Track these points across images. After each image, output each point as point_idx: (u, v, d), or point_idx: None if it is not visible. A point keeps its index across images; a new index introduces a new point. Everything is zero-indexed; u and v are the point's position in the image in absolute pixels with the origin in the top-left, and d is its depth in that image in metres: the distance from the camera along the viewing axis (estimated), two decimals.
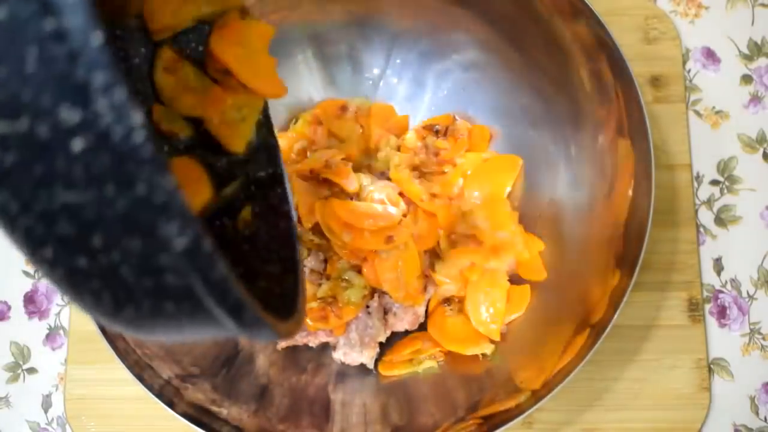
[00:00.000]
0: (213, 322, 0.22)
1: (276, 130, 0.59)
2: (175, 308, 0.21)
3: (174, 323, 0.22)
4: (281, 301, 0.32)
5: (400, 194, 0.56)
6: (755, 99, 0.63)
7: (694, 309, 0.58)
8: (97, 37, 0.17)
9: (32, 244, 0.20)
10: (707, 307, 0.59)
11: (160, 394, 0.45)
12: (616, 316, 0.44)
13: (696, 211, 0.61)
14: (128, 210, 0.18)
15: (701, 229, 0.61)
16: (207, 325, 0.22)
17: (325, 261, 0.55)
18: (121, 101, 0.17)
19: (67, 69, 0.17)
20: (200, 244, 0.19)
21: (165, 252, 0.19)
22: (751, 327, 0.59)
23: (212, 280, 0.20)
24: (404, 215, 0.55)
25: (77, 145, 0.17)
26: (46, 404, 0.59)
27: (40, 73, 0.17)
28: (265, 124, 0.40)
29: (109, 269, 0.20)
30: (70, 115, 0.17)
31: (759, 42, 0.65)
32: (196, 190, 0.33)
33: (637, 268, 0.45)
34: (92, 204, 0.18)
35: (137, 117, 0.17)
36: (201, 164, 0.34)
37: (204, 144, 0.36)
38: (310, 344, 0.55)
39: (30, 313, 0.61)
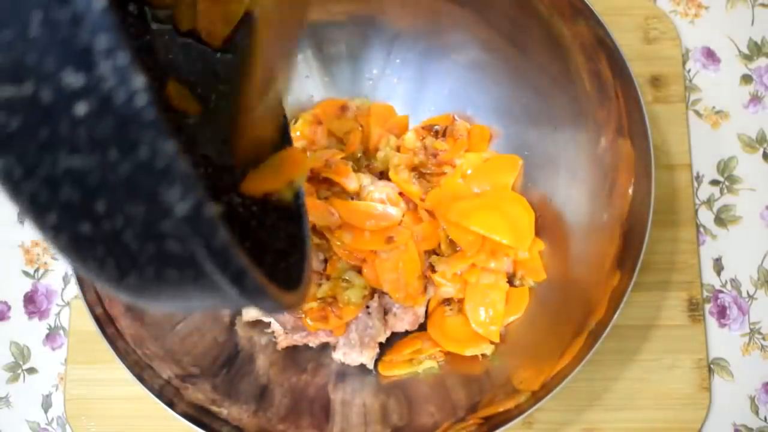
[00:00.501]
0: (216, 289, 0.22)
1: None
2: (178, 275, 0.21)
3: (177, 290, 0.22)
4: (286, 275, 0.32)
5: (401, 194, 0.56)
6: (755, 99, 0.63)
7: (694, 309, 0.58)
8: (100, 1, 0.17)
9: (37, 209, 0.20)
10: (707, 307, 0.59)
11: (160, 394, 0.45)
12: (616, 316, 0.44)
13: (696, 211, 0.61)
14: (131, 175, 0.18)
15: (701, 229, 0.61)
16: (210, 293, 0.22)
17: (325, 261, 0.55)
18: (124, 65, 0.17)
19: (70, 33, 0.17)
20: (201, 210, 0.19)
21: (167, 217, 0.19)
22: (751, 327, 0.59)
23: (214, 246, 0.20)
24: (404, 215, 0.55)
25: (81, 109, 0.18)
26: (46, 404, 0.59)
27: (44, 37, 0.17)
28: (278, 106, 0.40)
29: (113, 235, 0.20)
30: (73, 78, 0.17)
31: (759, 42, 0.65)
32: None
33: (637, 268, 0.45)
34: (95, 169, 0.18)
35: (139, 80, 0.17)
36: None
37: (213, 120, 0.36)
38: (310, 344, 0.55)
39: (30, 313, 0.61)
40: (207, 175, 0.34)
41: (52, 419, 0.59)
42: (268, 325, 0.56)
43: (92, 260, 0.21)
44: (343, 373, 0.55)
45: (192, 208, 0.19)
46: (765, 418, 0.57)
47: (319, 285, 0.53)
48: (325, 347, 0.56)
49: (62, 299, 0.61)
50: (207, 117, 0.36)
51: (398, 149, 0.59)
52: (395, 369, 0.55)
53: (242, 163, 0.36)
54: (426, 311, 0.56)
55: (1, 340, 0.61)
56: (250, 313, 0.55)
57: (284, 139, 0.40)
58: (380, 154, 0.59)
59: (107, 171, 0.18)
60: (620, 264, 0.47)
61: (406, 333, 0.56)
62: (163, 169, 0.18)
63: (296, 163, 0.37)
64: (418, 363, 0.54)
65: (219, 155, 0.35)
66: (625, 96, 0.48)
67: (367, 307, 0.54)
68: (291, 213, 0.37)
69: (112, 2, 0.17)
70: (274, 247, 0.34)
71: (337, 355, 0.54)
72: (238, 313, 0.56)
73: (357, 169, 0.57)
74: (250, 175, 0.35)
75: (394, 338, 0.56)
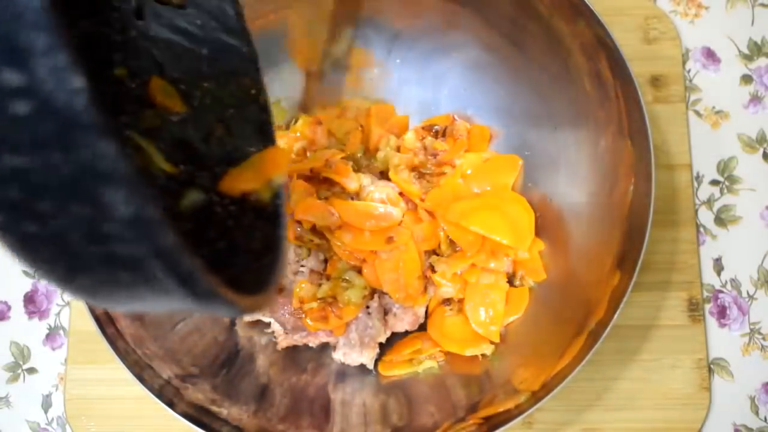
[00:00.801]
0: (167, 291, 0.22)
1: (276, 130, 0.60)
2: (128, 277, 0.21)
3: (129, 292, 0.22)
4: (256, 276, 0.32)
5: (401, 194, 0.56)
6: (755, 99, 0.63)
7: (694, 309, 0.58)
8: None
9: None
10: (707, 307, 0.59)
11: (160, 394, 0.45)
12: (616, 316, 0.44)
13: (696, 211, 0.61)
14: (74, 176, 0.18)
15: (701, 229, 0.61)
16: (162, 295, 0.22)
17: (325, 261, 0.55)
18: (62, 65, 0.17)
19: (10, 31, 0.17)
20: (146, 212, 0.19)
21: (111, 220, 0.19)
22: (751, 327, 0.59)
23: (159, 249, 0.20)
24: (404, 215, 0.55)
25: (21, 108, 0.17)
26: (46, 404, 0.59)
27: None
28: (258, 99, 0.40)
29: (59, 236, 0.20)
30: (12, 77, 0.17)
31: (759, 42, 0.65)
32: None
33: (637, 268, 0.45)
34: (39, 169, 0.18)
35: (78, 81, 0.17)
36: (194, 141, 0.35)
37: (197, 120, 0.36)
38: (310, 344, 0.55)
39: (30, 313, 0.61)
40: (187, 173, 0.33)
41: (52, 419, 0.59)
42: (268, 325, 0.56)
43: (41, 261, 0.21)
44: (343, 373, 0.55)
45: (135, 211, 0.19)
46: (765, 418, 0.57)
47: (319, 285, 0.53)
48: (325, 347, 0.56)
49: (62, 299, 0.61)
50: (191, 114, 0.35)
51: (398, 149, 0.59)
52: (395, 369, 0.55)
53: (223, 161, 0.36)
54: (426, 311, 0.56)
55: (1, 340, 0.61)
56: None
57: (266, 138, 0.40)
58: (380, 154, 0.59)
59: (50, 172, 0.18)
60: (620, 264, 0.47)
61: (406, 333, 0.56)
62: (104, 171, 0.18)
63: (276, 163, 0.37)
64: (418, 363, 0.54)
65: (200, 153, 0.35)
66: (625, 96, 0.48)
67: (367, 307, 0.54)
68: (269, 213, 0.37)
69: (54, 1, 0.17)
70: (249, 248, 0.34)
71: (337, 355, 0.54)
72: None
73: (357, 169, 0.57)
74: (229, 174, 0.35)
75: (394, 338, 0.56)
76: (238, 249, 0.33)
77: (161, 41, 0.35)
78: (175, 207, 0.31)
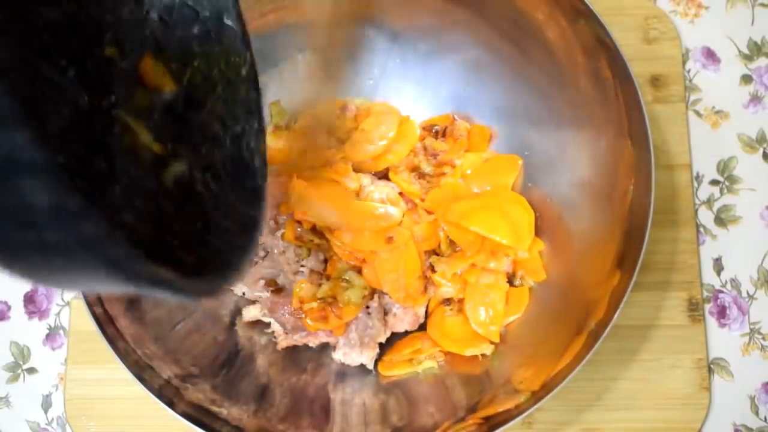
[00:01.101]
0: (105, 275, 0.22)
1: (276, 130, 0.60)
2: (64, 262, 0.21)
3: (69, 276, 0.22)
4: (226, 258, 0.32)
5: (401, 194, 0.56)
6: (755, 99, 0.63)
7: (694, 309, 0.58)
8: None
9: None
10: (707, 307, 0.59)
11: (160, 394, 0.45)
12: (616, 316, 0.44)
13: (696, 211, 0.61)
14: None
15: (701, 229, 0.61)
16: (100, 279, 0.22)
17: (325, 261, 0.55)
18: None
19: None
20: (64, 201, 0.19)
21: (35, 209, 0.19)
22: (751, 327, 0.59)
23: (84, 236, 0.20)
24: (404, 215, 0.55)
25: None
26: (46, 404, 0.59)
27: None
28: (248, 78, 0.39)
29: None
30: None
31: (759, 42, 0.65)
32: None
33: (637, 268, 0.45)
34: None
35: None
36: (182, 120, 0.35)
37: (186, 99, 0.36)
38: (310, 344, 0.55)
39: (30, 313, 0.61)
40: (174, 151, 0.33)
41: (52, 419, 0.59)
42: (268, 325, 0.56)
43: None
44: (343, 373, 0.55)
45: (54, 201, 0.19)
46: (765, 418, 0.57)
47: (319, 285, 0.53)
48: (325, 347, 0.56)
49: (62, 299, 0.61)
50: (181, 93, 0.35)
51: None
52: (395, 369, 0.55)
53: (210, 140, 0.36)
54: (426, 311, 0.56)
55: (1, 340, 0.61)
56: (251, 313, 0.55)
57: (255, 117, 0.38)
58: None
59: None
60: (620, 264, 0.47)
61: (406, 333, 0.56)
62: (21, 162, 0.18)
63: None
64: (418, 363, 0.54)
65: (188, 131, 0.35)
66: (625, 96, 0.48)
67: (367, 307, 0.54)
68: (250, 193, 0.36)
69: None
70: (225, 227, 0.34)
71: (337, 355, 0.54)
72: (238, 313, 0.56)
73: (357, 169, 0.57)
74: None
75: (394, 338, 0.56)
76: (215, 229, 0.33)
77: (153, 20, 0.35)
78: (159, 182, 0.31)
